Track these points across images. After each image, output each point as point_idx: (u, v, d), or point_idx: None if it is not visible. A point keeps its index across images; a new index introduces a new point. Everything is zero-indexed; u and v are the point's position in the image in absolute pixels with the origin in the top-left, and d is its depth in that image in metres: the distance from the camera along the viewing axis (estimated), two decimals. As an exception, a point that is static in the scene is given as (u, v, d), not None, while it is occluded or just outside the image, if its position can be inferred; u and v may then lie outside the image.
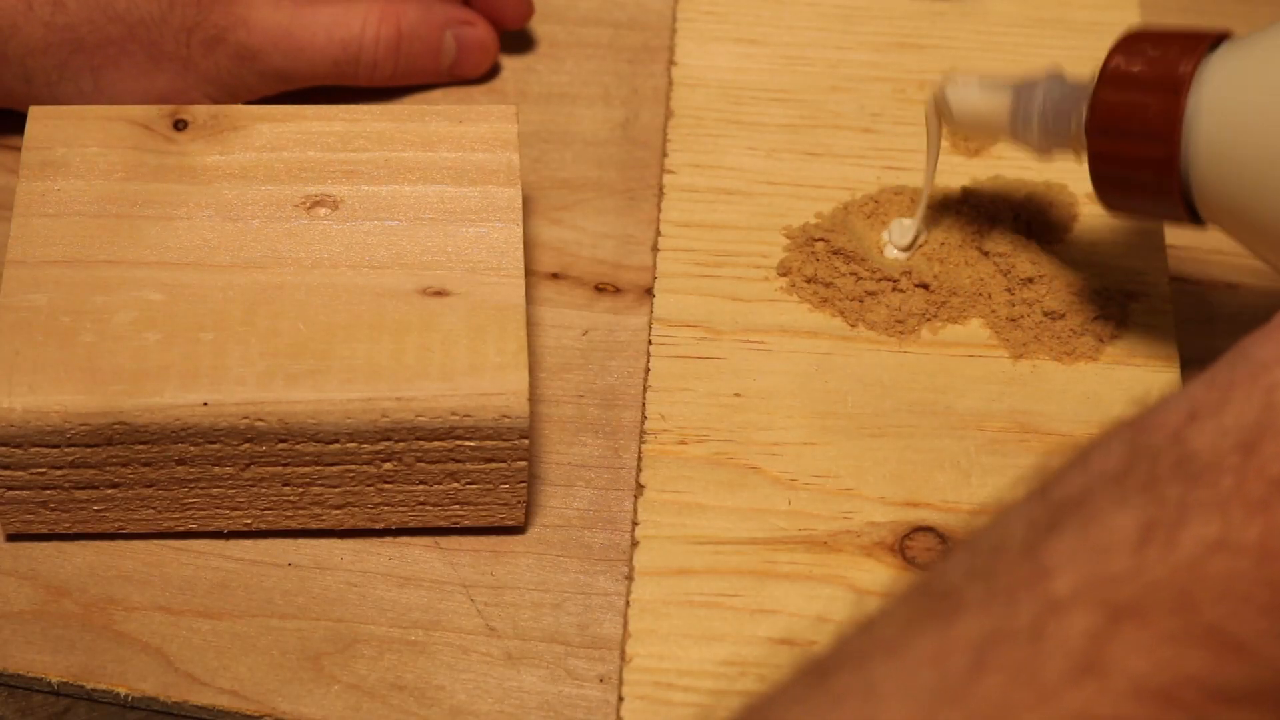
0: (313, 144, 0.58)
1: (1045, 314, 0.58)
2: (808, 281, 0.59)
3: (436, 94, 0.67)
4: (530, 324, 0.61)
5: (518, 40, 0.69)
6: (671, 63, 0.65)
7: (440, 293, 0.54)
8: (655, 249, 0.60)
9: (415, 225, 0.56)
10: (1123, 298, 0.59)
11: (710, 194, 0.61)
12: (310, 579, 0.55)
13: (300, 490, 0.54)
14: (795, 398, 0.56)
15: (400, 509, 0.55)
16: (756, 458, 0.55)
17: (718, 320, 0.58)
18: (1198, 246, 0.64)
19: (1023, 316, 0.58)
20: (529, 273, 0.62)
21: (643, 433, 0.56)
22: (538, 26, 0.70)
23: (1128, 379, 0.57)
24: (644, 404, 0.57)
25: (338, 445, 0.53)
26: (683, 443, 0.55)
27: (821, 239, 0.59)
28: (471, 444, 0.53)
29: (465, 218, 0.56)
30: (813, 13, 0.66)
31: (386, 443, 0.53)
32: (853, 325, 0.58)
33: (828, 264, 0.59)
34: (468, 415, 0.52)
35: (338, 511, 0.55)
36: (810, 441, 0.55)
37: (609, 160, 0.65)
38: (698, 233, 0.60)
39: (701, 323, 0.58)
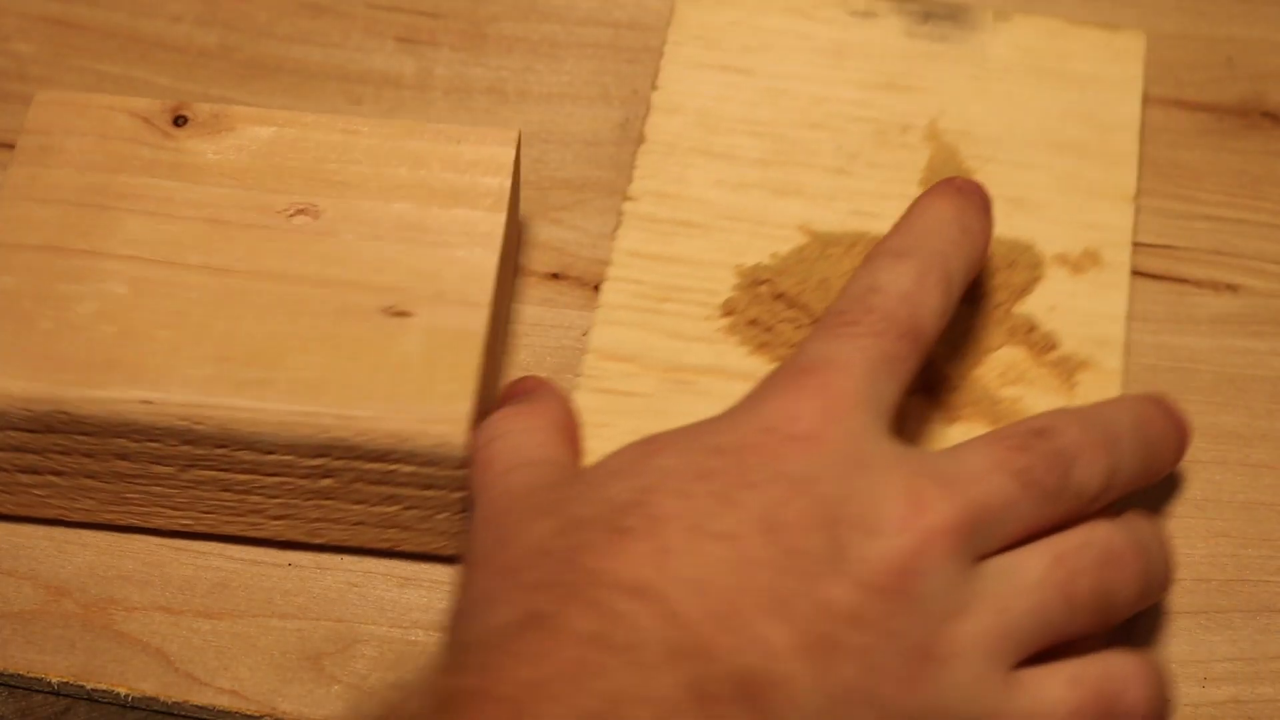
0: (307, 152, 0.58)
1: (982, 377, 0.56)
2: (749, 324, 0.57)
3: (438, 97, 0.67)
4: (529, 324, 0.61)
5: (518, 40, 0.69)
6: (653, 87, 0.63)
7: (402, 314, 0.54)
8: (603, 279, 0.59)
9: (392, 244, 0.56)
10: (1073, 366, 0.57)
11: (669, 225, 0.60)
12: (310, 579, 0.55)
13: (239, 497, 0.54)
14: None
15: (338, 526, 0.55)
16: None
17: (652, 356, 0.56)
18: (1198, 247, 0.64)
19: (960, 379, 0.56)
20: (529, 273, 0.62)
21: None
22: (538, 26, 0.70)
23: None
24: None
25: (275, 456, 0.53)
26: None
27: (767, 281, 0.58)
28: (409, 469, 0.52)
29: (444, 240, 0.56)
30: (805, 45, 0.64)
31: (324, 459, 0.53)
32: None
33: (770, 308, 0.57)
34: (406, 440, 0.52)
35: (276, 522, 0.55)
36: None
37: (609, 160, 0.65)
38: (648, 264, 0.59)
39: (635, 357, 0.56)
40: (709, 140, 0.62)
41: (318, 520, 0.55)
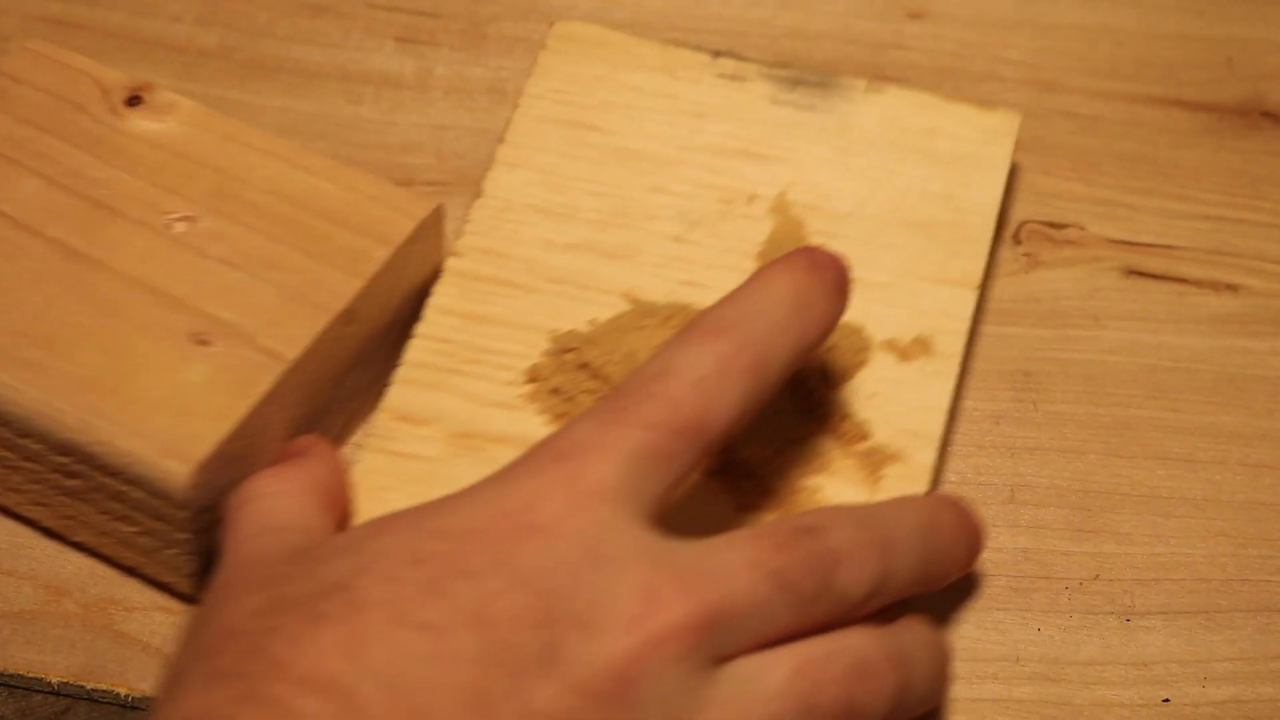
0: (226, 166, 0.57)
1: (784, 465, 0.54)
2: (551, 393, 0.55)
3: (438, 97, 0.67)
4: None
5: (518, 40, 0.69)
6: (500, 140, 0.61)
7: (204, 343, 0.53)
8: (411, 334, 0.57)
9: (241, 275, 0.55)
10: (882, 458, 0.54)
11: (490, 284, 0.57)
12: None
13: (6, 472, 0.54)
14: None
15: (86, 530, 0.54)
16: None
17: (447, 420, 0.54)
18: (1197, 247, 0.64)
19: (759, 464, 0.54)
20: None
21: None
22: (538, 26, 0.70)
23: None
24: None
25: (28, 441, 0.53)
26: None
27: (574, 349, 0.56)
28: (139, 494, 0.52)
29: (289, 287, 0.55)
30: (666, 106, 0.62)
31: (69, 458, 0.52)
32: None
33: (573, 377, 0.55)
34: (136, 463, 0.51)
35: (36, 508, 0.55)
36: None
37: (609, 160, 0.65)
38: (460, 323, 0.57)
39: (430, 420, 0.54)
40: (548, 198, 0.59)
41: (69, 518, 0.54)
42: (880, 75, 0.69)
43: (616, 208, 0.59)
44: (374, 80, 0.68)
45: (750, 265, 0.58)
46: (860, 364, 0.56)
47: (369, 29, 0.69)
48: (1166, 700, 0.53)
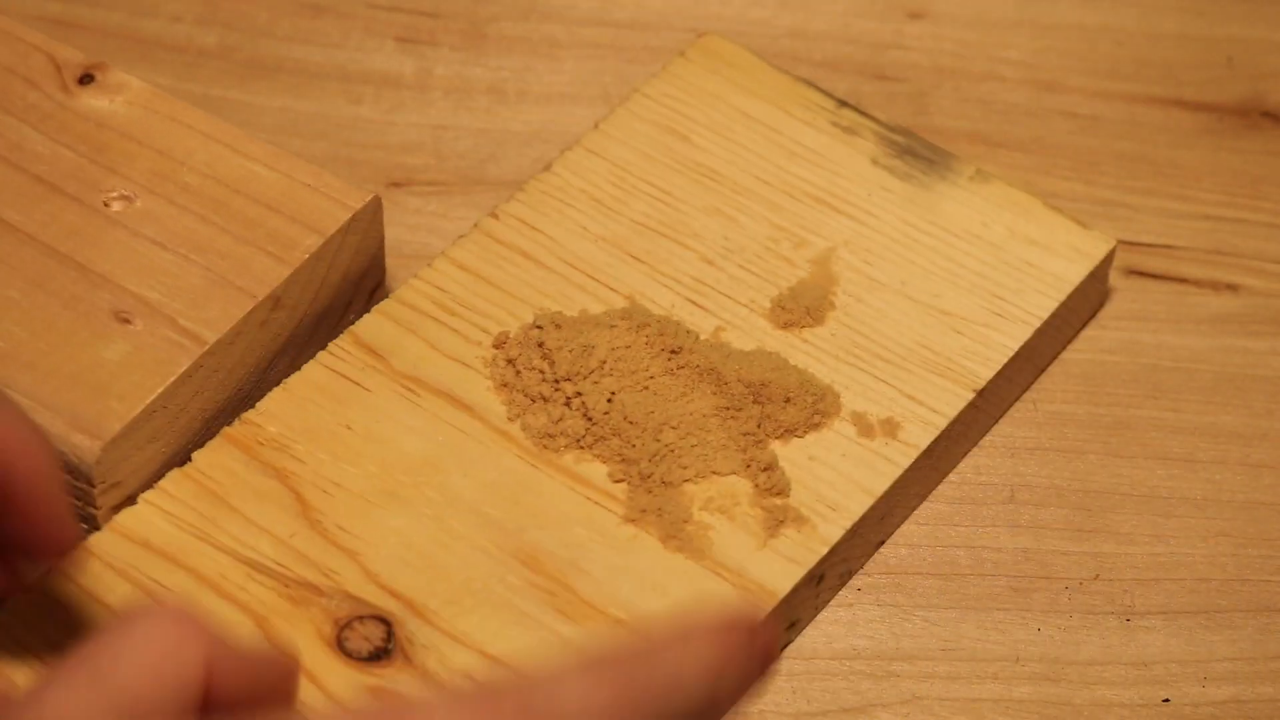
0: (176, 149, 0.58)
1: (691, 494, 0.53)
2: (506, 363, 0.56)
3: (438, 97, 0.67)
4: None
5: (518, 40, 0.69)
6: (595, 125, 0.62)
7: (126, 320, 0.54)
8: (414, 276, 0.58)
9: (169, 256, 0.55)
10: (786, 518, 0.53)
11: (510, 251, 0.59)
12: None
13: None
14: (393, 453, 0.54)
15: None
16: (309, 487, 0.53)
17: (400, 359, 0.55)
18: (1197, 247, 0.64)
19: (669, 486, 0.53)
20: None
21: (241, 418, 0.54)
22: (538, 26, 0.70)
23: (698, 592, 0.51)
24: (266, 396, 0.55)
25: None
26: (260, 444, 0.54)
27: (539, 326, 0.56)
28: None
29: (216, 271, 0.55)
30: (764, 137, 0.61)
31: None
32: (511, 419, 0.55)
33: (527, 352, 0.56)
34: (47, 435, 0.50)
35: None
36: (366, 496, 0.53)
37: (609, 160, 0.65)
38: (463, 278, 0.58)
39: (385, 354, 0.55)
40: (606, 190, 0.60)
41: None
42: (880, 75, 0.69)
43: (665, 217, 0.60)
44: (374, 80, 0.68)
45: (761, 307, 0.57)
46: (817, 425, 0.55)
47: (369, 29, 0.69)
48: (1166, 700, 0.53)
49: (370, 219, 0.57)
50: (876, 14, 0.71)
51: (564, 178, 0.61)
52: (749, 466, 0.54)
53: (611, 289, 0.58)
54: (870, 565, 0.56)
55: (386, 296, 0.57)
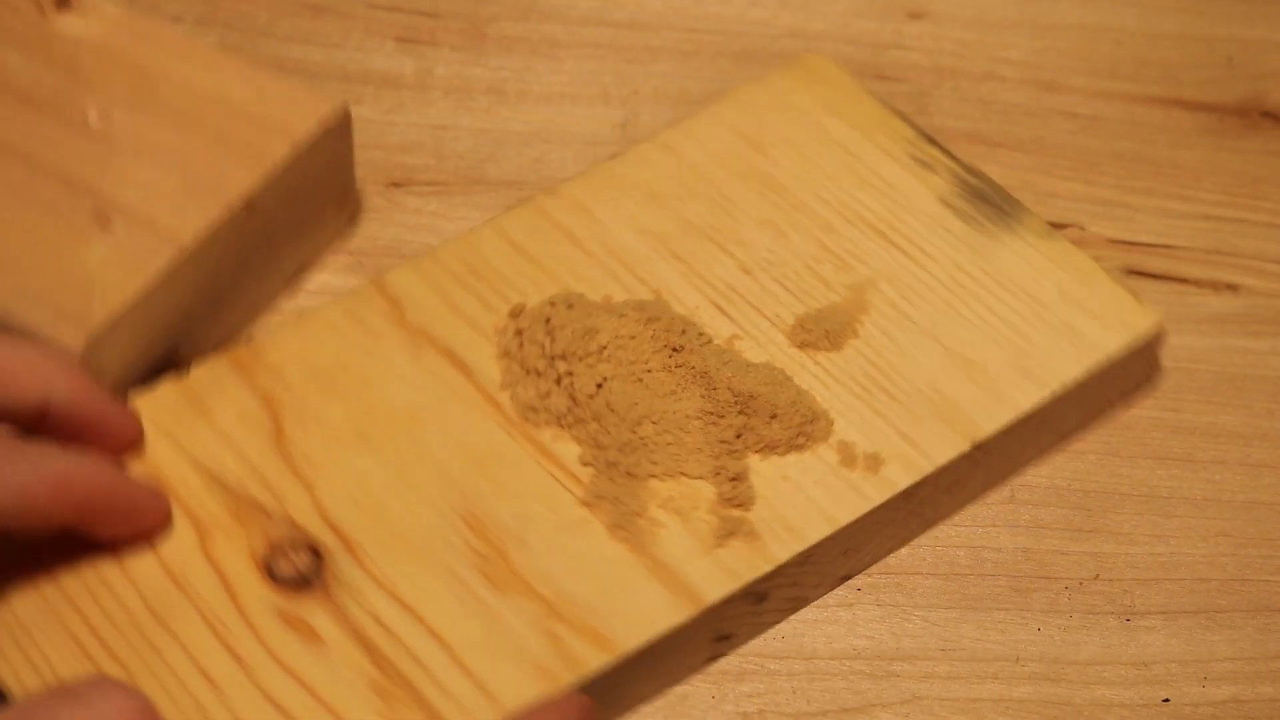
0: (150, 66, 0.60)
1: (654, 489, 0.53)
2: (515, 333, 0.56)
3: (438, 96, 0.67)
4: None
5: (518, 40, 0.69)
6: (674, 123, 0.62)
7: (106, 223, 0.56)
8: (456, 237, 0.59)
9: (144, 162, 0.57)
10: (739, 531, 0.53)
11: (556, 230, 0.59)
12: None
13: None
14: (380, 399, 0.55)
15: None
16: (290, 417, 0.54)
17: (415, 312, 0.57)
18: (1197, 247, 0.64)
19: (636, 477, 0.54)
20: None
21: (248, 341, 0.56)
22: (538, 26, 0.70)
23: (624, 589, 0.51)
24: (270, 331, 0.57)
25: None
26: (258, 368, 0.55)
27: (553, 303, 0.56)
28: None
29: (192, 174, 0.57)
30: (839, 160, 0.61)
31: None
32: (503, 388, 0.55)
33: (533, 326, 0.56)
34: (29, 328, 0.53)
35: None
36: (340, 435, 0.54)
37: (609, 160, 0.65)
38: (502, 248, 0.58)
39: (401, 306, 0.57)
40: (666, 187, 0.61)
41: None
42: (880, 75, 0.69)
43: (717, 221, 0.60)
44: (374, 80, 0.68)
45: (784, 324, 0.57)
46: (800, 447, 0.54)
47: (369, 29, 0.69)
48: (1166, 700, 0.53)
49: (339, 127, 0.60)
50: (876, 14, 0.71)
51: (630, 167, 0.61)
52: (718, 474, 0.54)
53: (642, 281, 0.58)
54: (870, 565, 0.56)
55: (356, 208, 0.60)
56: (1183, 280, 0.63)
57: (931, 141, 0.62)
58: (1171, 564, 0.56)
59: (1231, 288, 0.63)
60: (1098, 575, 0.56)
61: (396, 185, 0.65)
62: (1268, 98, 0.69)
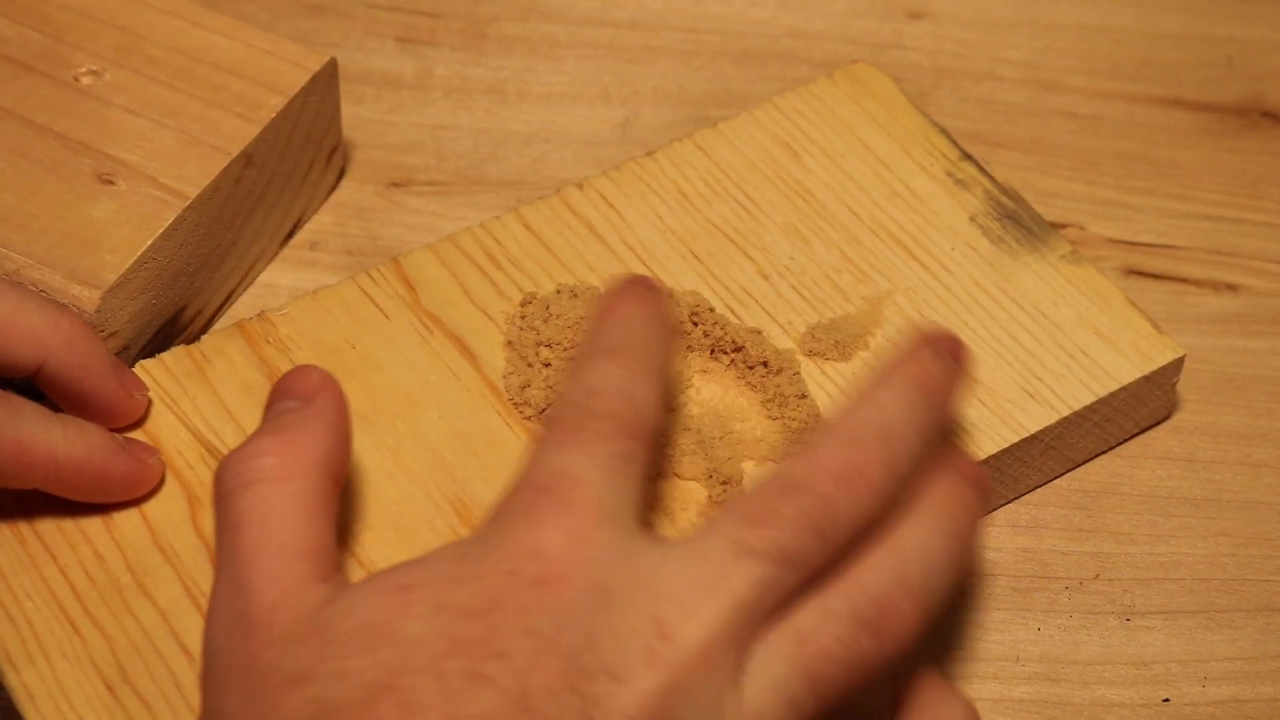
0: (137, 25, 0.60)
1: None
2: (521, 319, 0.56)
3: (438, 96, 0.67)
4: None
5: (518, 40, 0.69)
6: (715, 123, 0.62)
7: (109, 181, 0.56)
8: (478, 224, 0.59)
9: (143, 121, 0.58)
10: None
11: (578, 222, 0.59)
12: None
13: None
14: (383, 380, 0.55)
15: None
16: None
17: (428, 295, 0.57)
18: (1197, 247, 0.64)
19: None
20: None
21: (261, 314, 0.57)
22: (538, 26, 0.70)
23: None
24: (284, 306, 0.57)
25: None
26: (267, 342, 0.56)
27: (559, 293, 0.57)
28: None
29: (190, 132, 0.58)
30: (873, 171, 0.61)
31: None
32: (504, 376, 0.55)
33: (536, 315, 0.56)
34: (47, 291, 0.54)
35: None
36: None
37: (609, 160, 0.65)
38: (523, 237, 0.59)
39: (416, 288, 0.57)
40: (694, 186, 0.61)
41: None
42: (880, 75, 0.69)
43: (742, 225, 0.60)
44: (374, 80, 0.68)
45: (795, 331, 0.57)
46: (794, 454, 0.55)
47: (369, 29, 0.69)
48: (1166, 700, 0.53)
49: (328, 80, 0.61)
50: (876, 14, 0.71)
51: (661, 166, 0.61)
52: (710, 477, 0.54)
53: (657, 278, 0.57)
54: (870, 565, 0.56)
55: (345, 161, 0.63)
56: (1183, 280, 0.63)
57: (969, 159, 0.61)
58: (1171, 564, 0.56)
59: (1231, 288, 0.63)
60: (1098, 575, 0.56)
61: (396, 185, 0.65)
62: (1268, 98, 0.69)
